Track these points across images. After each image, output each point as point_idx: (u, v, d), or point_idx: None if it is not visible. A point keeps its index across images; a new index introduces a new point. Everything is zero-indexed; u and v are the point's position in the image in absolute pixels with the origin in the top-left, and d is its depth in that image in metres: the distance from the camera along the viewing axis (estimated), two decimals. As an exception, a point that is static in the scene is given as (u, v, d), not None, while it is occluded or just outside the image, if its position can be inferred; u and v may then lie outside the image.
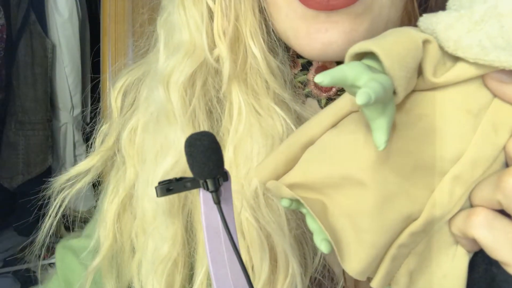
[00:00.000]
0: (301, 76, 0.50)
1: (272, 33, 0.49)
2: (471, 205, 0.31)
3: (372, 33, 0.44)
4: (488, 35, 0.28)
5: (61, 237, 1.87)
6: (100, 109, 0.60)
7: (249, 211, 0.45)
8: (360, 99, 0.25)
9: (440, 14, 0.31)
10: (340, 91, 0.49)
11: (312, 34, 0.44)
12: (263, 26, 0.48)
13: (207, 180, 0.33)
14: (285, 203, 0.34)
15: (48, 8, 1.69)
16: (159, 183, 0.34)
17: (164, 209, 0.47)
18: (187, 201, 0.48)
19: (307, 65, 0.49)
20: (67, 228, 1.85)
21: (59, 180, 0.54)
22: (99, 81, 1.17)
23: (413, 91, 0.31)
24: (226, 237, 0.33)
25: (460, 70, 0.30)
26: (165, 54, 0.50)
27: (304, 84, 0.50)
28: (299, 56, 0.50)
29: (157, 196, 0.34)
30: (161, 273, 0.47)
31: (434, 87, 0.31)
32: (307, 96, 0.51)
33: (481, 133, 0.30)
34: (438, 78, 0.30)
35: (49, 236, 0.54)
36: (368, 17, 0.44)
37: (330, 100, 0.49)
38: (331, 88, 0.49)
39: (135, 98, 0.54)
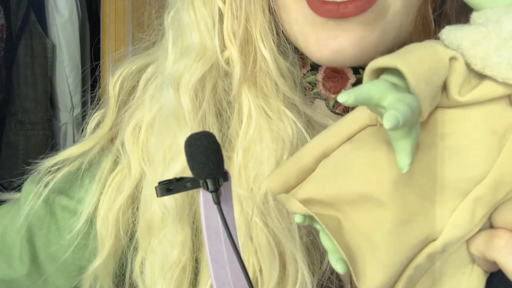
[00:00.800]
0: (310, 77, 0.49)
1: (282, 34, 0.48)
2: (490, 225, 0.31)
3: (384, 39, 0.43)
4: None
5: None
6: (94, 99, 0.58)
7: (258, 215, 0.44)
8: (388, 122, 0.24)
9: (466, 28, 0.29)
10: None
11: (322, 40, 0.43)
12: (273, 27, 0.48)
13: (207, 180, 0.33)
14: (299, 219, 0.32)
15: (48, 8, 1.70)
16: (159, 183, 0.34)
17: (174, 214, 0.46)
18: (194, 205, 0.47)
19: (316, 65, 0.49)
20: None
21: (46, 163, 0.52)
22: (98, 80, 1.16)
23: (436, 108, 0.30)
24: (226, 237, 0.33)
25: (487, 89, 0.29)
26: (174, 55, 0.49)
27: (313, 84, 0.50)
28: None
29: (157, 196, 0.33)
30: (170, 278, 0.46)
31: (458, 105, 0.30)
32: (315, 97, 0.50)
33: (506, 154, 0.29)
34: (463, 97, 0.29)
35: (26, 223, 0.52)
36: (380, 24, 0.43)
37: (338, 102, 0.49)
38: (340, 90, 0.48)
39: (133, 87, 0.53)
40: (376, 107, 0.26)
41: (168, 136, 0.48)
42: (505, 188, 0.30)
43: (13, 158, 1.67)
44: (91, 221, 0.51)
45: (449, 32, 0.29)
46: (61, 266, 0.53)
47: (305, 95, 0.50)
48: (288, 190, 0.33)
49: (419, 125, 0.28)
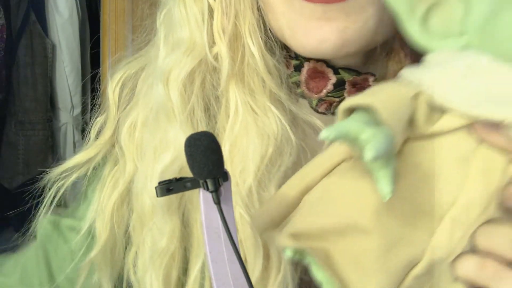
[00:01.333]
0: (295, 76, 0.51)
1: (269, 32, 0.49)
2: (472, 246, 0.33)
3: (364, 32, 0.45)
4: (474, 89, 0.31)
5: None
6: (95, 102, 0.59)
7: (243, 208, 0.45)
8: (369, 154, 0.27)
9: (424, 69, 0.33)
10: (331, 93, 0.50)
11: (309, 30, 0.45)
12: (261, 24, 0.49)
13: (207, 180, 0.33)
14: (289, 253, 0.33)
15: (48, 8, 1.70)
16: (159, 183, 0.34)
17: (163, 204, 0.47)
18: (184, 197, 0.49)
19: (299, 66, 0.50)
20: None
21: (55, 171, 0.54)
22: (98, 81, 1.16)
23: (406, 140, 0.33)
24: (226, 237, 0.33)
25: (448, 121, 0.32)
26: (165, 51, 0.50)
27: (297, 84, 0.51)
28: (292, 57, 0.51)
29: (157, 196, 0.34)
30: (159, 265, 0.47)
31: (425, 136, 0.33)
32: (299, 96, 0.52)
33: (472, 178, 0.32)
34: (428, 129, 0.32)
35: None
36: (362, 16, 0.45)
37: (321, 101, 0.50)
38: (321, 90, 0.50)
39: (133, 90, 0.54)
40: (354, 142, 0.29)
41: (159, 131, 0.49)
42: (476, 209, 0.32)
43: (13, 158, 1.67)
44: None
45: (409, 73, 0.33)
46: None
47: (291, 92, 0.51)
48: (274, 226, 0.35)
49: (395, 155, 0.30)
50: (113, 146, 0.54)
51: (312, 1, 0.44)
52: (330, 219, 0.33)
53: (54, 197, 0.54)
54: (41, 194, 0.55)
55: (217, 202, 0.33)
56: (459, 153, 0.33)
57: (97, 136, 0.55)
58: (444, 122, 0.32)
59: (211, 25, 0.48)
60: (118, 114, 0.54)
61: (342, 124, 0.29)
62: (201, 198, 0.34)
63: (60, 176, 0.54)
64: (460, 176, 0.32)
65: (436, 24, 0.34)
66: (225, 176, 0.33)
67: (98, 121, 0.55)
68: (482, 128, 0.32)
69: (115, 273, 0.52)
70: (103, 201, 0.51)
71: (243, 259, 0.38)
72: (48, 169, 0.55)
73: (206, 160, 0.32)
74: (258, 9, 0.49)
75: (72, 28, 1.73)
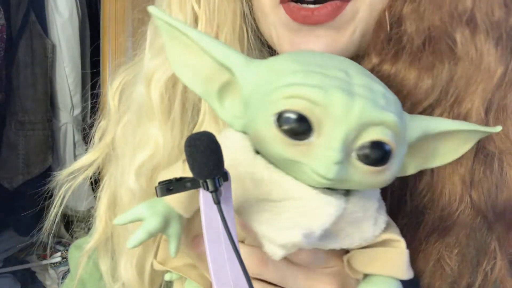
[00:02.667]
0: None
1: (252, 40, 0.51)
2: None
3: (352, 40, 0.47)
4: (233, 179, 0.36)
5: (60, 237, 1.86)
6: (99, 106, 0.62)
7: None
8: (128, 243, 0.36)
9: None
10: None
11: (295, 45, 0.47)
12: (245, 33, 0.50)
13: (207, 180, 0.33)
14: (167, 277, 0.47)
15: (48, 8, 1.69)
16: (159, 183, 0.34)
17: (140, 197, 0.50)
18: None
19: None
20: (68, 230, 1.85)
21: (62, 174, 0.57)
22: (98, 81, 1.16)
23: None
24: (226, 237, 0.33)
25: None
26: (150, 54, 0.52)
27: None
28: None
29: (157, 196, 0.33)
30: (132, 253, 0.51)
31: None
32: None
33: None
34: None
35: (53, 230, 0.58)
36: (349, 29, 0.47)
37: None
38: None
39: (129, 97, 0.56)
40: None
41: (140, 129, 0.52)
42: None
43: (13, 158, 1.67)
44: None
45: None
46: None
47: None
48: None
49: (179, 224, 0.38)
50: (113, 149, 0.57)
51: (299, 22, 0.45)
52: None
53: (63, 199, 0.57)
54: (43, 198, 0.58)
55: (217, 202, 0.33)
56: None
57: (100, 140, 0.58)
58: None
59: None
60: (119, 118, 0.56)
61: (135, 209, 0.37)
62: (201, 198, 0.34)
63: (68, 178, 0.57)
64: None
65: (229, 104, 0.39)
66: (225, 176, 0.33)
67: (101, 125, 0.58)
68: None
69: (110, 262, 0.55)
70: (100, 198, 0.55)
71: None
72: (50, 171, 0.58)
73: (206, 160, 0.32)
74: (243, 15, 0.50)
75: (72, 28, 1.72)
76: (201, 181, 0.33)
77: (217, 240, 0.34)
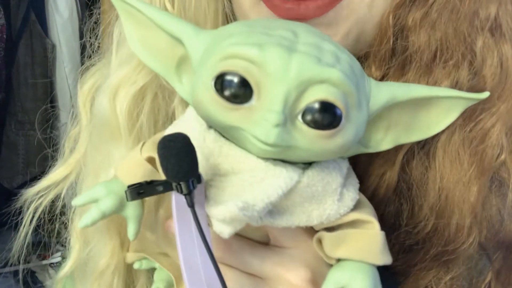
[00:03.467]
0: None
1: None
2: None
3: (345, 43, 0.41)
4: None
5: (61, 237, 1.86)
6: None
7: None
8: (80, 223, 0.35)
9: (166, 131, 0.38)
10: None
11: None
12: None
13: (181, 183, 0.32)
14: (136, 265, 0.46)
15: (48, 8, 1.70)
16: (129, 186, 0.33)
17: (101, 226, 0.46)
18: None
19: None
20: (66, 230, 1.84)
21: (31, 191, 0.53)
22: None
23: None
24: (199, 241, 0.32)
25: None
26: (116, 63, 0.47)
27: None
28: None
29: (127, 200, 0.33)
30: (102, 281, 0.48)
31: None
32: None
33: None
34: None
35: (25, 246, 0.54)
36: (343, 28, 0.42)
37: None
38: None
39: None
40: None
41: (102, 149, 0.48)
42: None
43: (13, 158, 1.68)
44: None
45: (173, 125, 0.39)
46: None
47: None
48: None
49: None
50: (84, 165, 0.52)
51: (284, 17, 0.40)
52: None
53: (32, 217, 0.53)
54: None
55: (191, 205, 0.32)
56: None
57: (71, 151, 0.53)
58: None
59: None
60: (91, 127, 0.51)
61: (90, 192, 0.37)
62: (173, 201, 0.33)
63: (36, 196, 0.52)
64: None
65: (185, 80, 0.38)
66: (199, 178, 0.33)
67: (71, 135, 0.53)
68: None
69: None
70: (71, 222, 0.51)
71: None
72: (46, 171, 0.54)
73: (181, 162, 0.32)
74: (226, 17, 0.46)
75: (72, 28, 1.72)
76: (174, 184, 0.32)
77: (191, 244, 0.33)
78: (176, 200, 0.33)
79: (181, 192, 0.32)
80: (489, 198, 0.42)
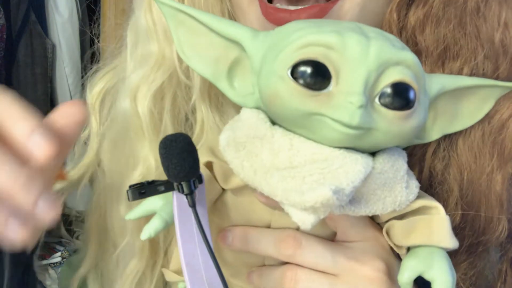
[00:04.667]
0: None
1: None
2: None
3: None
4: (248, 156, 0.35)
5: (61, 237, 1.85)
6: None
7: None
8: (142, 236, 0.35)
9: (224, 131, 0.38)
10: None
11: None
12: None
13: (183, 183, 0.32)
14: (181, 285, 0.45)
15: (48, 8, 1.69)
16: (130, 186, 0.33)
17: (133, 228, 0.46)
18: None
19: None
20: (68, 230, 1.84)
21: None
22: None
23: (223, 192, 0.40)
24: (201, 240, 0.32)
25: (238, 181, 0.37)
26: (132, 64, 0.48)
27: None
28: None
29: (129, 200, 0.33)
30: (129, 284, 0.47)
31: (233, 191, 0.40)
32: None
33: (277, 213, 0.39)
34: (228, 185, 0.39)
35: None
36: None
37: None
38: None
39: (112, 104, 0.52)
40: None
41: (127, 149, 0.48)
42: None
43: (13, 158, 1.67)
44: None
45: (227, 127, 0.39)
46: None
47: None
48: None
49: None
50: (98, 165, 0.52)
51: (276, 24, 0.41)
52: None
53: None
54: None
55: (193, 205, 0.32)
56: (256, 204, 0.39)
57: (83, 154, 0.53)
58: (235, 181, 0.38)
59: None
60: (102, 130, 0.51)
61: (145, 203, 0.37)
62: (174, 201, 0.33)
63: None
64: (268, 210, 0.39)
65: (238, 83, 0.39)
66: (200, 178, 0.33)
67: (82, 137, 0.53)
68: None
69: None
70: (88, 218, 0.51)
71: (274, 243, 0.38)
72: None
73: (182, 162, 0.32)
74: (231, 17, 0.47)
75: (72, 28, 1.72)
76: (175, 184, 0.32)
77: (192, 244, 0.33)
78: (177, 200, 0.33)
79: (183, 192, 0.32)
80: (509, 189, 0.44)
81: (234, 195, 0.40)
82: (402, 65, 0.34)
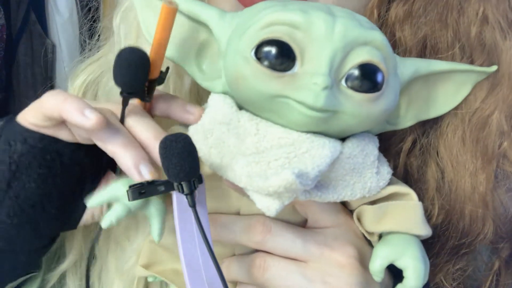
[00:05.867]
0: None
1: None
2: None
3: None
4: (215, 143, 0.35)
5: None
6: None
7: None
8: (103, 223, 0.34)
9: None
10: None
11: None
12: None
13: (183, 183, 0.32)
14: (150, 278, 0.44)
15: (48, 8, 1.69)
16: (130, 186, 0.33)
17: (129, 223, 0.46)
18: None
19: None
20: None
21: None
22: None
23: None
24: (201, 241, 0.32)
25: (205, 168, 0.36)
26: None
27: None
28: None
29: (129, 200, 0.33)
30: (126, 279, 0.47)
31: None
32: None
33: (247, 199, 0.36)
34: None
35: None
36: None
37: None
38: None
39: (95, 97, 0.51)
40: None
41: None
42: None
43: (13, 158, 1.67)
44: None
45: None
46: None
47: None
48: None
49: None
50: None
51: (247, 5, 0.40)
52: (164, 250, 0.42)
53: None
54: None
55: (193, 205, 0.32)
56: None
57: None
58: (203, 168, 0.36)
59: None
60: None
61: (107, 190, 0.35)
62: (174, 201, 0.33)
63: None
64: (238, 196, 0.38)
65: (207, 66, 0.38)
66: (200, 178, 0.33)
67: None
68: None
69: (83, 284, 0.51)
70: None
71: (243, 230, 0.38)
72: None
73: (182, 162, 0.32)
74: None
75: (72, 28, 1.72)
76: (175, 184, 0.32)
77: (192, 244, 0.33)
78: (177, 200, 0.33)
79: (183, 192, 0.32)
80: (497, 188, 0.43)
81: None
82: (370, 46, 0.33)
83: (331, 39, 0.32)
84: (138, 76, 0.34)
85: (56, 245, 0.50)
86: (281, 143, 0.34)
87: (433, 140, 0.44)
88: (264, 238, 0.38)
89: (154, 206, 0.35)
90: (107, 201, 0.35)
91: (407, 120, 0.40)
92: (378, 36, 0.33)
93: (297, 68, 0.32)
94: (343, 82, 0.33)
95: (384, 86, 0.33)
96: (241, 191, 0.36)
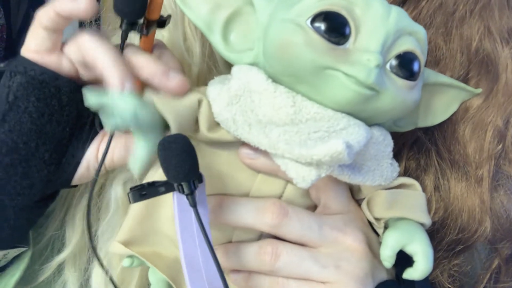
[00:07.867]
0: None
1: None
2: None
3: None
4: (242, 110, 0.34)
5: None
6: None
7: None
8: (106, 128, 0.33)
9: (216, 83, 0.36)
10: None
11: None
12: None
13: (183, 183, 0.32)
14: (127, 262, 0.40)
15: (48, 8, 1.69)
16: (131, 188, 0.33)
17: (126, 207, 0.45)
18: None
19: None
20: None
21: None
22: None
23: (199, 142, 0.36)
24: (201, 240, 0.32)
25: (225, 133, 0.35)
26: None
27: None
28: None
29: (130, 202, 0.33)
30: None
31: (211, 143, 0.37)
32: None
33: (260, 178, 0.38)
34: (212, 134, 0.35)
35: None
36: None
37: None
38: None
39: None
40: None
41: None
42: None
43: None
44: None
45: (216, 81, 0.37)
46: None
47: None
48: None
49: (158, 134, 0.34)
50: None
51: None
52: (147, 225, 0.39)
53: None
54: None
55: (193, 205, 0.33)
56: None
57: None
58: (223, 134, 0.35)
59: (183, 22, 0.47)
60: None
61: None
62: (175, 201, 0.33)
63: None
64: (249, 175, 0.38)
65: (235, 37, 0.37)
66: (200, 178, 0.33)
67: None
68: (243, 154, 0.36)
69: (81, 276, 0.51)
70: (75, 205, 0.50)
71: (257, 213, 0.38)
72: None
73: (182, 163, 0.32)
74: None
75: (72, 28, 1.72)
76: (176, 184, 0.33)
77: (192, 244, 0.33)
78: (177, 200, 0.33)
79: (183, 192, 0.32)
80: (495, 188, 0.44)
81: (210, 156, 0.37)
82: (414, 37, 0.35)
83: (386, 22, 0.33)
84: (136, 4, 0.36)
85: (51, 233, 0.50)
86: (317, 118, 0.34)
87: (432, 140, 0.45)
88: (282, 221, 0.37)
89: (143, 117, 0.33)
90: (105, 104, 0.33)
91: (408, 124, 0.41)
92: (422, 30, 0.35)
93: (349, 44, 0.33)
94: (387, 65, 0.34)
95: (419, 77, 0.35)
96: (257, 166, 0.36)
